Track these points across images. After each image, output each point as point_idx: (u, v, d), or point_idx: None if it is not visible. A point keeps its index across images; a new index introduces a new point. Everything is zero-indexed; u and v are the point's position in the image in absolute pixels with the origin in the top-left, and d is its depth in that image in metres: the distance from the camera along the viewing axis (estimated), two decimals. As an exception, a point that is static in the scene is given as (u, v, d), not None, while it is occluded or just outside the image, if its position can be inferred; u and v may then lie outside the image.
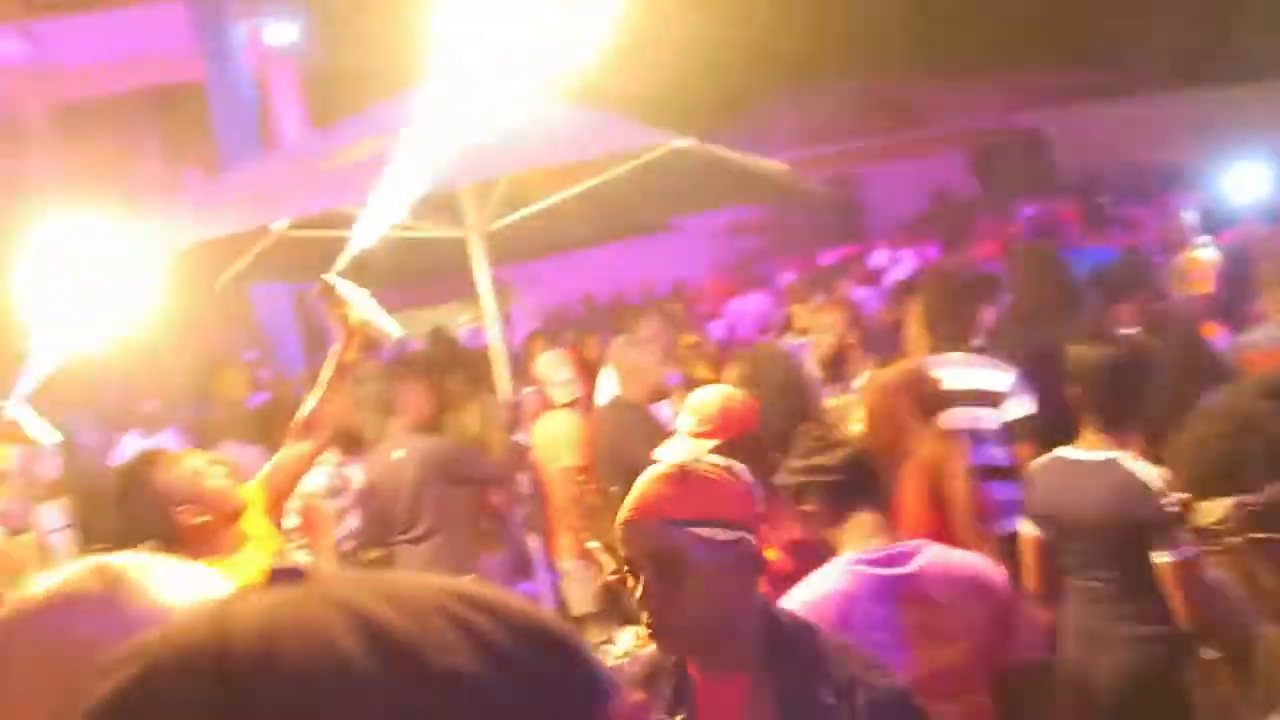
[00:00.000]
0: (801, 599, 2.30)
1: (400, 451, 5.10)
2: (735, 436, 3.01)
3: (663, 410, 5.06)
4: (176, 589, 0.89)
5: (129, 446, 8.22)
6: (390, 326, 3.03)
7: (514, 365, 5.99)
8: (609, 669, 0.57)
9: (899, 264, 11.16)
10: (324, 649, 0.49)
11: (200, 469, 2.92)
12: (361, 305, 2.97)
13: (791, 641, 1.72)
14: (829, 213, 15.55)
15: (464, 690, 0.49)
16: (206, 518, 2.86)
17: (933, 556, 2.37)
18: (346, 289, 2.95)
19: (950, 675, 2.27)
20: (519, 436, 5.52)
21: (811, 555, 2.82)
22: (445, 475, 5.05)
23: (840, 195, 16.46)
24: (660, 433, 4.18)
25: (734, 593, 1.72)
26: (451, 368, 8.18)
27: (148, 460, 2.95)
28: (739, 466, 1.85)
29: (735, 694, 1.70)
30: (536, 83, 2.42)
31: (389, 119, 4.13)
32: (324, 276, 2.94)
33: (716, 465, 1.82)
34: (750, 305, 10.37)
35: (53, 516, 5.89)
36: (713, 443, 2.94)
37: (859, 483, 2.50)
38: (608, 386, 5.26)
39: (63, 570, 0.90)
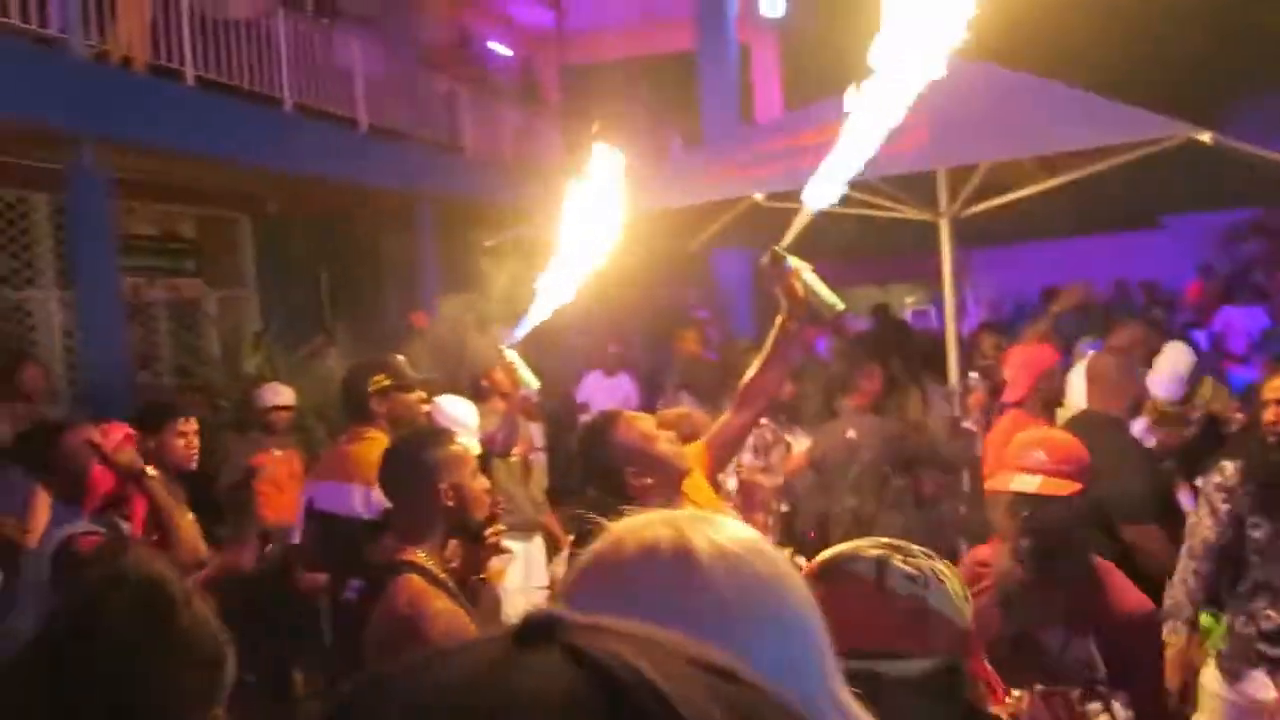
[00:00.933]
0: None
1: (852, 431, 5.13)
2: (1081, 492, 2.61)
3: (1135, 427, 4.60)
4: (727, 550, 0.92)
5: (591, 383, 9.02)
6: (833, 299, 3.03)
7: (961, 352, 5.76)
8: None
9: None
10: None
11: (651, 433, 3.01)
12: (807, 276, 3.00)
13: None
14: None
15: None
16: (650, 480, 2.94)
17: None
18: (794, 260, 3.00)
19: None
20: (967, 424, 5.31)
21: None
22: (894, 458, 5.01)
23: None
24: (1135, 452, 3.81)
25: None
26: (897, 349, 8.06)
27: (609, 419, 3.09)
28: (919, 576, 1.41)
29: None
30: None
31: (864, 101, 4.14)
32: (774, 247, 2.99)
33: (867, 577, 1.39)
34: (1243, 318, 9.19)
35: (537, 436, 6.63)
36: (1068, 487, 2.59)
37: None
38: (1074, 394, 4.87)
39: (639, 520, 0.96)
